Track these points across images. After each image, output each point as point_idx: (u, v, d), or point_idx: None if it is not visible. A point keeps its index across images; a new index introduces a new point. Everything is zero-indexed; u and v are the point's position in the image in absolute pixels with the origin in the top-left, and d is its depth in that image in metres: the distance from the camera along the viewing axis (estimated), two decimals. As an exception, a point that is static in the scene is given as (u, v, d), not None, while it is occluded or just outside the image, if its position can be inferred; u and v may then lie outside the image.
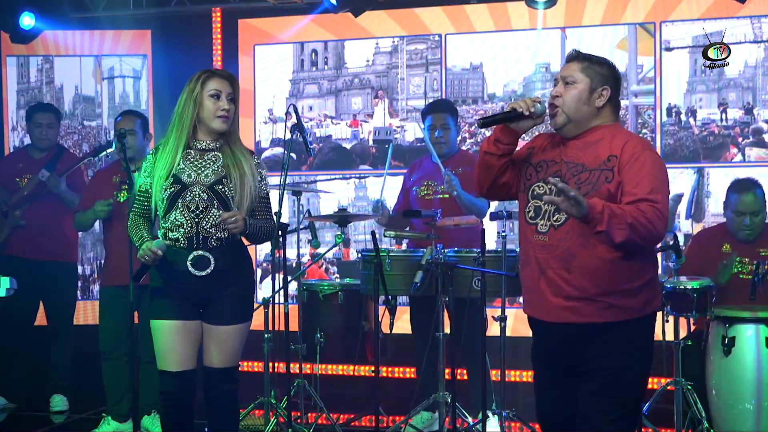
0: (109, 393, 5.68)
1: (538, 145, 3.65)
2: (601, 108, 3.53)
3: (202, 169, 4.07)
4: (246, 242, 4.28)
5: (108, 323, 5.61)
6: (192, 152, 4.09)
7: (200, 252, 4.03)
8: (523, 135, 3.63)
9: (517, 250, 5.18)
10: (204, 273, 4.03)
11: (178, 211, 4.02)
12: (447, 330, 5.02)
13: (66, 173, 6.20)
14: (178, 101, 4.13)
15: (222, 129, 4.10)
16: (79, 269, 7.25)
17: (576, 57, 3.59)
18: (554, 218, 3.46)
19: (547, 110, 3.54)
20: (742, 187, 5.38)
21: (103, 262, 5.81)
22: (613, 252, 3.37)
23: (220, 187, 4.05)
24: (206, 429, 4.32)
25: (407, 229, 5.78)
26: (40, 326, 6.55)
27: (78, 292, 6.98)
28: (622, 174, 3.39)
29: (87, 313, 7.34)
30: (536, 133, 3.85)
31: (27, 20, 7.27)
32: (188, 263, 4.02)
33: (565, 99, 3.51)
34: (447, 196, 5.53)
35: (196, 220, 4.02)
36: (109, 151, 5.99)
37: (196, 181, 4.04)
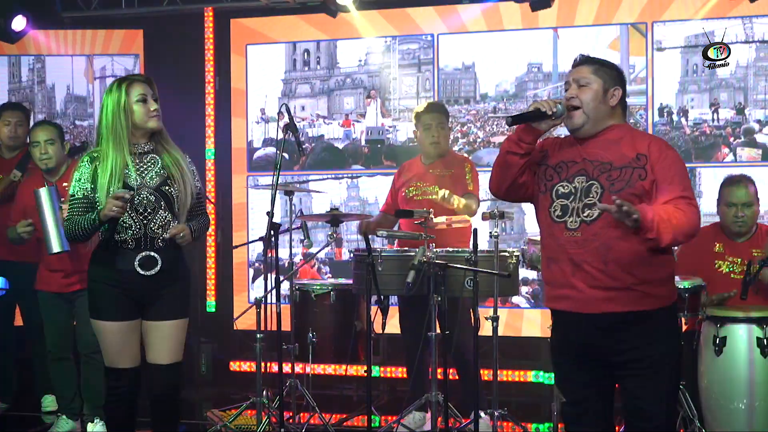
0: (61, 393, 5.71)
1: (550, 148, 3.73)
2: (614, 107, 3.65)
3: (146, 172, 4.20)
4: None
5: (52, 325, 5.63)
6: (131, 156, 4.19)
7: (148, 252, 4.16)
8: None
9: (510, 249, 5.25)
10: (151, 273, 4.16)
11: (126, 214, 4.12)
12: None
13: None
14: (102, 114, 4.21)
15: (157, 127, 4.24)
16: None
17: (586, 60, 3.70)
18: (585, 214, 3.52)
19: (565, 112, 3.62)
20: (733, 180, 5.42)
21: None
22: (645, 243, 3.48)
23: (166, 188, 4.20)
24: None
25: (395, 229, 5.78)
26: (22, 327, 6.52)
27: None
28: (655, 172, 3.51)
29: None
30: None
31: (19, 22, 7.25)
32: (136, 264, 4.14)
33: (582, 99, 3.61)
34: (436, 197, 5.54)
35: (144, 222, 4.16)
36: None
37: (143, 184, 4.17)
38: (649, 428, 3.55)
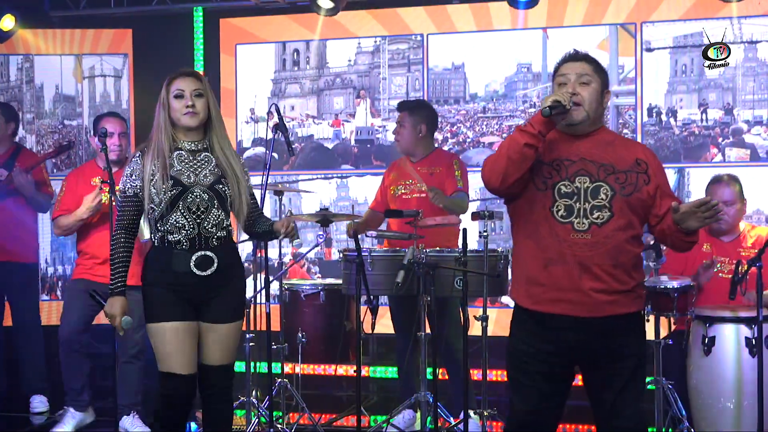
0: (71, 384, 5.65)
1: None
2: (605, 109, 3.68)
3: (199, 169, 4.06)
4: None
5: (73, 314, 5.57)
6: (184, 153, 4.07)
7: (203, 252, 4.02)
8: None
9: (499, 249, 5.24)
10: (207, 273, 4.03)
11: (179, 213, 3.99)
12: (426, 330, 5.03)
13: (29, 171, 6.09)
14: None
15: (191, 123, 4.07)
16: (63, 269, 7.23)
17: (585, 58, 3.65)
18: (594, 216, 3.48)
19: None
20: (719, 178, 5.44)
21: (76, 256, 5.76)
22: (640, 246, 3.59)
23: (220, 186, 4.06)
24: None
25: (383, 227, 5.79)
26: (10, 327, 6.49)
27: (42, 293, 6.97)
28: (657, 179, 3.56)
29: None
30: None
31: (8, 22, 7.24)
32: (192, 264, 4.01)
33: (584, 96, 3.55)
34: (424, 195, 5.54)
35: (198, 221, 4.01)
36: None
37: (196, 182, 4.03)
38: (631, 426, 3.57)
